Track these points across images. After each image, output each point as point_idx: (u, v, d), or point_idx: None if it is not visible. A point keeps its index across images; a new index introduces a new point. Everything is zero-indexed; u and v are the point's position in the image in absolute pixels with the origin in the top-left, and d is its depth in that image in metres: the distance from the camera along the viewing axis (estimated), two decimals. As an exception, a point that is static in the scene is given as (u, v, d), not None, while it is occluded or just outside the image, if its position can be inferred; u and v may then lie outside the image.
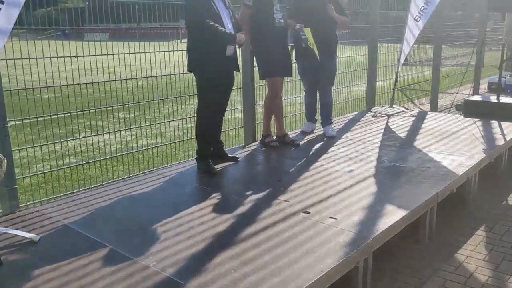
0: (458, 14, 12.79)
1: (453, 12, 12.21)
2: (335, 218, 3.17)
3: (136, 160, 5.55)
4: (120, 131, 5.53)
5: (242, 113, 5.44)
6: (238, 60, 4.54)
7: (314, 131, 5.80)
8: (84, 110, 4.78)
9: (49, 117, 4.33)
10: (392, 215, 3.21)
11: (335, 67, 5.61)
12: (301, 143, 5.27)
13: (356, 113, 7.03)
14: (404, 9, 7.37)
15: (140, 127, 5.86)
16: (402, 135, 5.61)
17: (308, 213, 3.28)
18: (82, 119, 7.28)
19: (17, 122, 4.26)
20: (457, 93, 9.41)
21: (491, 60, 13.38)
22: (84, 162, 4.82)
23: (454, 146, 5.02)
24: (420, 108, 9.16)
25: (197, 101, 4.32)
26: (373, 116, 6.65)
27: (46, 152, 4.64)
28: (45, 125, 6.35)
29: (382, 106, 7.30)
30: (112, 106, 5.08)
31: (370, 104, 7.33)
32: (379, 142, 5.26)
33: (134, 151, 5.33)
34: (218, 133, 4.58)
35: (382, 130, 5.85)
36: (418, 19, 6.77)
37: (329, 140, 5.39)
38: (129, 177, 4.50)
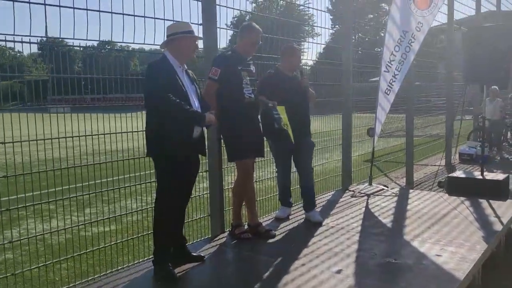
0: (426, 85, 12.83)
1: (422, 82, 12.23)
2: None
3: (84, 257, 4.68)
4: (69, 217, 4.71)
5: (209, 200, 4.74)
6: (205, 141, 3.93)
7: (290, 216, 5.14)
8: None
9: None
10: None
11: (312, 142, 5.10)
12: (277, 233, 4.58)
13: (332, 192, 6.44)
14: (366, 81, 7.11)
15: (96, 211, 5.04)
16: (388, 220, 5.01)
17: None
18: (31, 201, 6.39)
19: None
20: (429, 165, 9.06)
21: (463, 129, 13.38)
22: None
23: (449, 234, 4.44)
24: (397, 183, 8.70)
25: (155, 190, 3.61)
26: (352, 196, 6.07)
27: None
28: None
29: (360, 183, 6.76)
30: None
31: (347, 181, 6.78)
32: (365, 230, 4.63)
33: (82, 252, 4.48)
34: (180, 227, 3.84)
35: (365, 214, 5.24)
36: (388, 92, 6.44)
37: (307, 229, 4.73)
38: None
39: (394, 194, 6.12)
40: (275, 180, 5.53)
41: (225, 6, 4.73)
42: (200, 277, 3.68)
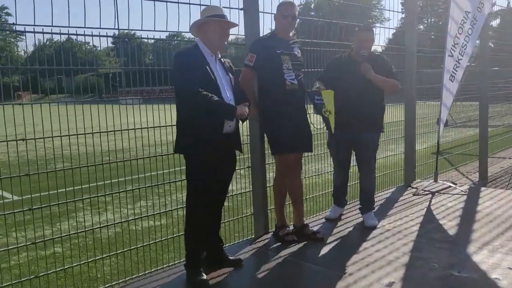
0: (505, 70, 11.66)
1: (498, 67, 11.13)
2: None
3: (128, 253, 4.54)
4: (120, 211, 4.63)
5: (251, 198, 4.43)
6: (243, 135, 3.61)
7: (343, 216, 4.72)
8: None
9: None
10: None
11: (377, 141, 4.53)
12: (326, 235, 4.18)
13: (393, 189, 5.90)
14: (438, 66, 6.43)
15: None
16: (453, 223, 4.45)
17: None
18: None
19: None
20: (506, 158, 8.18)
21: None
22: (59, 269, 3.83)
23: (526, 242, 3.83)
24: (468, 178, 7.94)
25: (186, 190, 3.35)
26: (414, 195, 5.51)
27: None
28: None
29: (424, 180, 6.17)
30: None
31: (410, 177, 6.19)
32: (425, 235, 4.11)
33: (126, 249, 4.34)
34: (216, 230, 3.56)
35: (427, 216, 4.70)
36: (452, 79, 5.77)
37: (359, 231, 4.29)
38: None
39: (463, 193, 5.49)
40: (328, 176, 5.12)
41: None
42: (236, 283, 3.39)
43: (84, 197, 4.01)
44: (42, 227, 4.18)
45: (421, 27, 41.46)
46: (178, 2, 3.81)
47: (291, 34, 4.07)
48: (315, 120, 4.18)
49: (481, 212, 4.72)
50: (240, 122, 3.41)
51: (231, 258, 3.61)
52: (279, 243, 4.03)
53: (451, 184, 5.76)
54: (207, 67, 3.23)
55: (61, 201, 3.81)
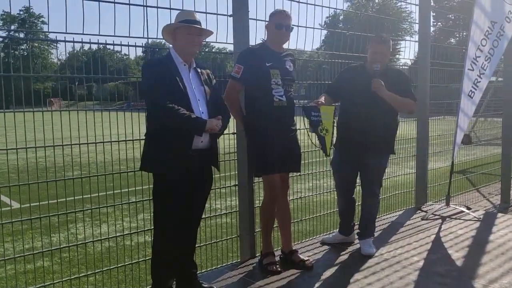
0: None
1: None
2: None
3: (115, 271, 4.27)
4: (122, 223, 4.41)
5: (237, 219, 4.11)
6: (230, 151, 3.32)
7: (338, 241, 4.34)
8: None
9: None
10: None
11: (385, 164, 4.12)
12: (318, 263, 3.82)
13: (401, 212, 5.47)
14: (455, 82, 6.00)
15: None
16: (460, 254, 4.01)
17: None
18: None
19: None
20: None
21: None
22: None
23: (540, 281, 3.38)
24: (489, 201, 7.39)
25: (152, 211, 3.06)
26: (422, 219, 5.08)
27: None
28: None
29: (436, 203, 5.71)
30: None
31: (421, 199, 5.75)
32: (427, 268, 3.70)
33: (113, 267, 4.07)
34: (188, 254, 3.24)
35: (433, 244, 4.27)
36: (472, 95, 5.32)
37: (354, 260, 3.91)
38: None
39: (476, 219, 5.02)
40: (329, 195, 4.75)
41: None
42: (205, 317, 3.07)
43: (85, 208, 3.84)
44: (40, 237, 4.05)
45: (453, 40, 40.49)
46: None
47: (284, 46, 3.76)
48: (306, 139, 3.85)
49: (493, 243, 4.27)
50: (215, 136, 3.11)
51: (204, 286, 3.29)
52: (262, 272, 3.69)
53: (464, 210, 5.29)
54: (177, 77, 2.95)
55: (61, 212, 3.59)
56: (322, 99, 3.82)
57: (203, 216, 3.34)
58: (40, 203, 3.76)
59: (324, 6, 4.75)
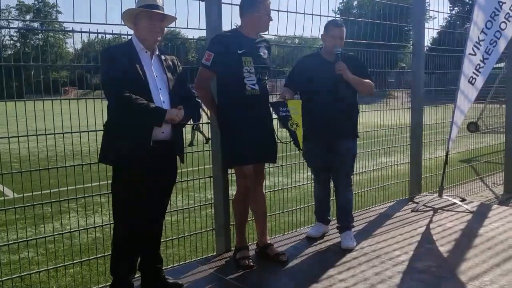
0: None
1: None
2: None
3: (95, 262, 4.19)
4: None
5: (213, 211, 3.99)
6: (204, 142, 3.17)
7: (326, 235, 4.19)
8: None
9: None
10: None
11: (355, 149, 4.02)
12: (297, 257, 3.69)
13: (392, 203, 5.29)
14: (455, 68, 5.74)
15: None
16: (445, 249, 3.83)
17: None
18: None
19: None
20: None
21: None
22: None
23: (524, 279, 3.19)
24: (492, 191, 7.15)
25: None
26: (412, 211, 4.89)
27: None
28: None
29: (430, 194, 5.51)
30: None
31: (415, 189, 5.56)
32: (405, 263, 3.53)
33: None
34: (151, 249, 3.13)
35: (417, 238, 4.09)
36: (473, 81, 5.05)
37: (332, 255, 3.76)
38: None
39: (469, 211, 4.81)
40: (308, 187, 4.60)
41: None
42: (167, 313, 2.96)
43: (78, 196, 3.76)
44: (35, 226, 4.21)
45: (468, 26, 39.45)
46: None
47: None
48: (280, 134, 3.71)
49: (482, 236, 4.07)
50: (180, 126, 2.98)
51: (170, 281, 3.18)
52: (235, 266, 3.56)
53: (457, 201, 5.08)
54: (137, 65, 2.81)
55: (54, 200, 3.55)
56: (286, 93, 3.71)
57: (180, 208, 3.23)
58: (33, 193, 3.76)
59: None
